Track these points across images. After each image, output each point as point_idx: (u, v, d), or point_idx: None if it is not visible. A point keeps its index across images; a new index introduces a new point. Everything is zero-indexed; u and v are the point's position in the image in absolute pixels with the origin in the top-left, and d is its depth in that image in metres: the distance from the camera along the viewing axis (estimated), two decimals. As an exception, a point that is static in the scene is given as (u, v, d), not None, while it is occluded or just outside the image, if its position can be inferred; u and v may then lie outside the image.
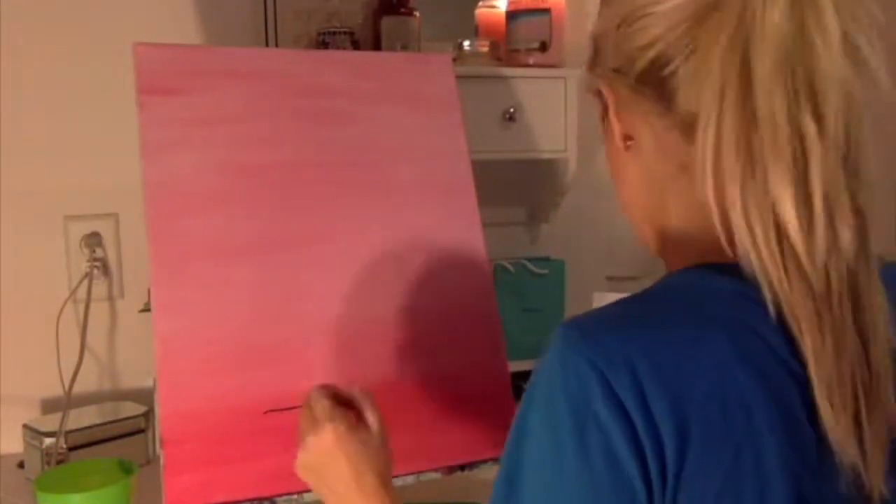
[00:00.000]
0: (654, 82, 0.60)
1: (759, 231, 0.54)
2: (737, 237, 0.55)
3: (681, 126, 0.60)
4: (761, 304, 0.55)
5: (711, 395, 0.52)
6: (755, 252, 0.55)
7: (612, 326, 0.55)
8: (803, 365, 0.54)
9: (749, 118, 0.55)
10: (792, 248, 0.54)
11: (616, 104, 0.65)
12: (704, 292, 0.58)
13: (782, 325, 0.55)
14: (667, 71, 0.59)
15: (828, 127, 0.54)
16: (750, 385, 0.53)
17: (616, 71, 0.63)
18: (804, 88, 0.54)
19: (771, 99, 0.54)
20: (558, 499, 0.53)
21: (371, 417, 0.80)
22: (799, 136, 0.54)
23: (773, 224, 0.54)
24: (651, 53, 0.59)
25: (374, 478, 0.76)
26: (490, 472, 1.03)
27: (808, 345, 0.54)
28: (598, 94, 0.67)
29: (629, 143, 0.65)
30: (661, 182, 0.64)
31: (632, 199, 0.69)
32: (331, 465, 0.77)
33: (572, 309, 1.52)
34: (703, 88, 0.56)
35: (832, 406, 0.53)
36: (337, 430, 0.77)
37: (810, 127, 0.54)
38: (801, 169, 0.54)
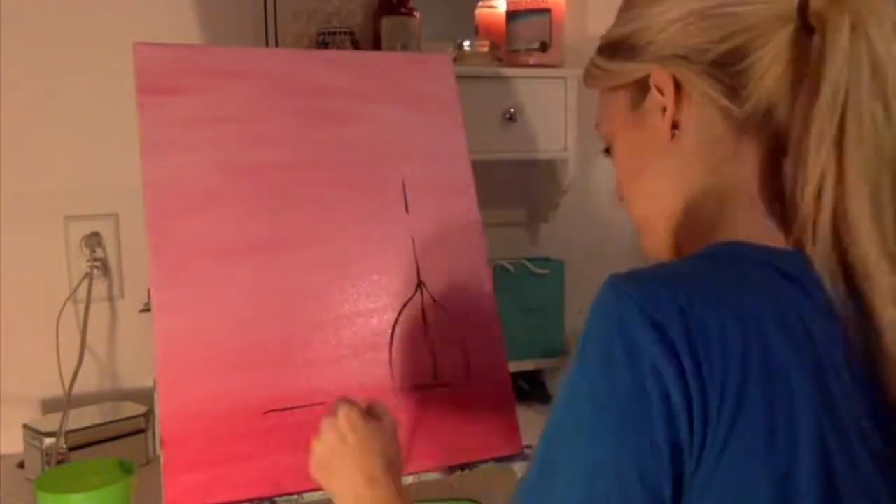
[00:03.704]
0: (726, 72, 0.63)
1: (889, 224, 0.57)
2: (859, 228, 0.57)
3: (739, 119, 0.63)
4: (795, 279, 0.58)
5: (754, 356, 0.54)
6: (886, 242, 0.57)
7: (662, 281, 0.57)
8: (837, 343, 0.57)
9: (883, 121, 0.58)
10: None
11: (675, 89, 0.65)
12: (748, 262, 0.60)
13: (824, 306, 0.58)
14: (740, 66, 0.62)
15: None
16: (789, 354, 0.55)
17: (682, 58, 0.64)
18: None
19: None
20: (610, 431, 0.54)
21: (385, 418, 0.84)
22: None
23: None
24: (723, 47, 0.62)
25: (383, 461, 0.79)
26: (490, 473, 1.03)
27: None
28: (635, 84, 0.68)
29: (675, 131, 0.66)
30: (699, 173, 0.66)
31: (656, 195, 0.70)
32: (341, 447, 0.80)
33: (572, 309, 1.52)
34: (813, 89, 0.58)
35: None
36: (351, 412, 0.81)
37: None
38: None
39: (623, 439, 0.54)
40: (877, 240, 0.57)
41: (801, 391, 0.55)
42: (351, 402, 0.83)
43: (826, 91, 0.58)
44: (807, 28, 0.60)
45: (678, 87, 0.65)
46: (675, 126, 0.66)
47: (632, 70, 0.68)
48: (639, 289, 0.56)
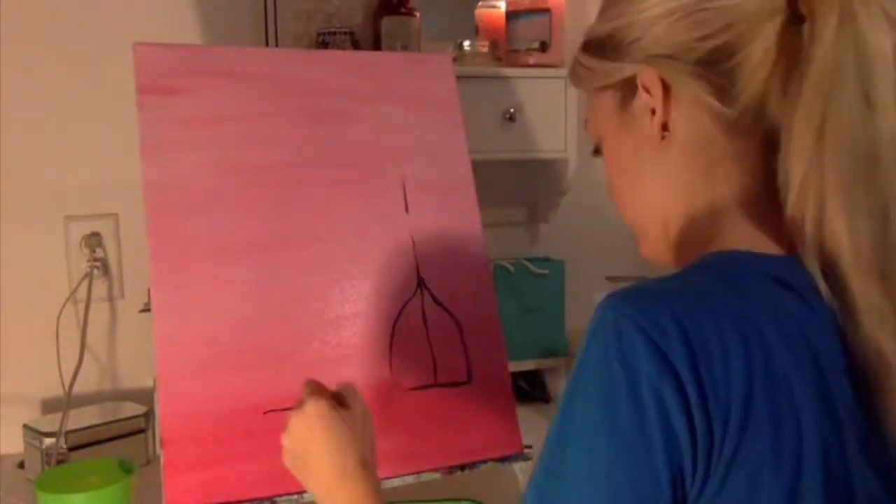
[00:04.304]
0: (714, 71, 0.60)
1: (863, 221, 0.56)
2: (833, 225, 0.56)
3: (729, 120, 0.61)
4: (792, 287, 0.57)
5: (757, 369, 0.53)
6: (854, 237, 0.56)
7: (663, 299, 0.55)
8: (836, 350, 0.56)
9: (865, 117, 0.56)
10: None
11: (663, 90, 0.63)
12: (745, 272, 0.59)
13: (824, 315, 0.57)
14: (728, 64, 0.60)
15: None
16: (791, 364, 0.54)
17: (669, 57, 0.62)
18: None
19: (889, 100, 0.56)
20: (607, 460, 0.53)
21: (354, 406, 0.80)
22: None
23: (883, 218, 0.56)
24: (710, 44, 0.60)
25: (354, 455, 0.75)
26: (490, 473, 1.03)
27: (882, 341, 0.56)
28: (622, 84, 0.66)
29: (665, 133, 0.64)
30: (689, 174, 0.64)
31: (647, 198, 0.68)
32: (311, 441, 0.76)
33: (572, 309, 1.52)
34: (798, 86, 0.57)
35: None
36: (318, 404, 0.77)
37: None
38: None
39: (622, 469, 0.53)
40: (849, 247, 0.56)
41: (804, 403, 0.54)
42: (319, 391, 0.79)
43: (809, 84, 0.56)
44: (796, 19, 0.58)
45: (666, 87, 0.63)
46: (664, 128, 0.64)
47: (618, 70, 0.65)
48: (638, 309, 0.54)
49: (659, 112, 0.64)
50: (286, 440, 0.78)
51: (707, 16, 0.60)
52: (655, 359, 0.52)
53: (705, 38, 0.60)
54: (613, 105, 0.68)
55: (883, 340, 0.55)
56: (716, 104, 0.61)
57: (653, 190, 0.67)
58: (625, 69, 0.65)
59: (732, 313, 0.55)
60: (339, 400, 0.80)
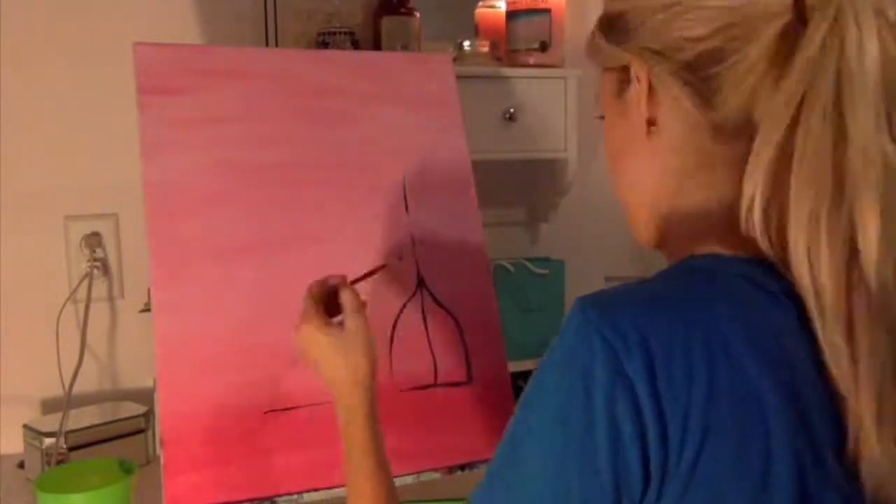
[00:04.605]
0: (698, 76, 0.59)
1: (824, 254, 0.54)
2: (795, 254, 0.55)
3: (713, 125, 0.60)
4: (773, 293, 0.56)
5: (721, 378, 0.53)
6: (813, 270, 0.54)
7: (630, 306, 0.56)
8: (815, 366, 0.55)
9: (836, 138, 0.54)
10: (862, 275, 0.54)
11: (648, 87, 0.62)
12: (722, 276, 0.58)
13: (803, 325, 0.55)
14: (715, 69, 0.58)
15: None
16: (761, 372, 0.53)
17: (658, 53, 0.61)
18: (893, 112, 0.54)
19: (864, 122, 0.53)
20: (558, 462, 0.54)
21: (348, 321, 0.86)
22: (884, 163, 0.54)
23: (848, 250, 0.54)
24: (701, 47, 0.58)
25: (343, 372, 0.83)
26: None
27: (863, 347, 0.54)
28: (621, 70, 0.65)
29: (651, 128, 0.63)
30: (675, 173, 0.64)
31: (636, 184, 0.67)
32: (311, 353, 0.85)
33: (572, 309, 1.52)
34: (773, 97, 0.55)
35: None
36: (307, 326, 0.85)
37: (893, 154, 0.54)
38: (890, 199, 0.53)
39: (570, 466, 0.54)
40: (810, 289, 0.54)
41: (774, 411, 0.53)
42: (316, 303, 0.87)
43: (783, 92, 0.55)
44: (799, 22, 0.56)
45: (651, 84, 0.62)
46: (652, 123, 0.63)
47: (617, 56, 0.65)
48: (602, 315, 0.54)
49: (643, 107, 0.63)
50: (296, 346, 0.87)
51: (708, 14, 0.58)
52: (611, 366, 0.53)
53: (698, 39, 0.58)
54: (613, 89, 0.67)
55: (841, 377, 0.54)
56: (694, 112, 0.60)
57: (641, 178, 0.67)
58: (621, 56, 0.64)
59: (701, 320, 0.55)
60: (339, 308, 0.87)
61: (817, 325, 0.54)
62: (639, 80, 0.63)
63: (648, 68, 0.62)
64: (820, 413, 0.55)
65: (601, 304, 0.55)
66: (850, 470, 0.55)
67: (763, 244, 0.57)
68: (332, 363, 0.84)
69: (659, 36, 0.61)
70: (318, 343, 0.84)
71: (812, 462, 0.53)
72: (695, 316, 0.55)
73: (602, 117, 0.71)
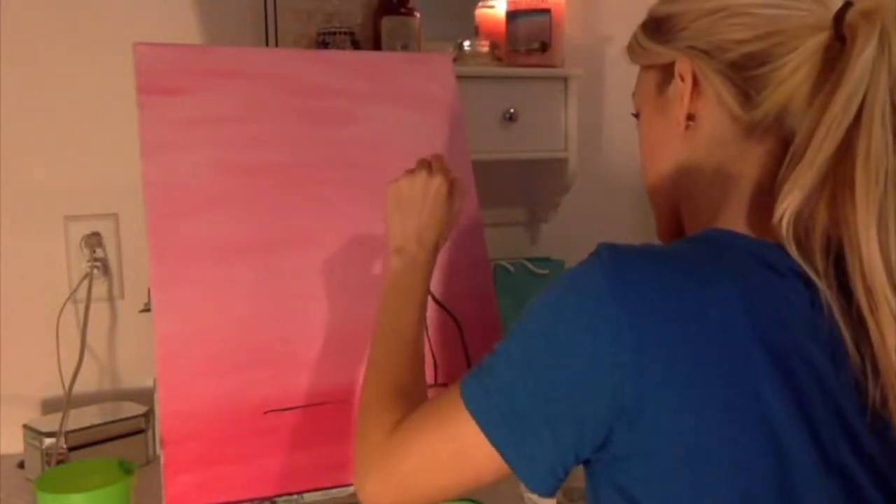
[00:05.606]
0: (742, 76, 0.64)
1: (892, 234, 0.57)
2: (865, 237, 0.57)
3: (750, 122, 0.64)
4: (778, 270, 0.60)
5: (713, 333, 0.57)
6: (883, 249, 0.57)
7: (639, 256, 0.61)
8: (816, 333, 0.58)
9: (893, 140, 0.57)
10: None
11: (693, 82, 0.67)
12: (733, 248, 0.62)
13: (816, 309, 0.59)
14: (758, 71, 0.63)
15: None
16: (753, 335, 0.57)
17: (705, 52, 0.65)
18: None
19: None
20: (540, 356, 0.62)
21: (459, 201, 0.95)
22: None
23: None
24: (745, 49, 0.63)
25: (433, 234, 0.91)
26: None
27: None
28: (663, 68, 0.70)
29: (689, 123, 0.68)
30: (706, 165, 0.68)
31: (664, 177, 0.72)
32: (421, 201, 0.91)
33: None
34: (824, 104, 0.59)
35: None
36: (443, 187, 0.91)
37: None
38: None
39: (553, 368, 0.60)
40: (885, 268, 0.57)
41: (765, 371, 0.56)
42: (446, 171, 0.92)
43: (839, 100, 0.58)
44: (838, 38, 0.60)
45: (696, 80, 0.67)
46: (690, 118, 0.68)
47: (661, 54, 0.69)
48: (615, 262, 0.60)
49: (686, 102, 0.67)
50: (405, 183, 0.92)
51: (753, 20, 0.63)
52: (607, 303, 0.58)
53: (743, 41, 0.63)
54: (653, 86, 0.72)
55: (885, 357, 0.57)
56: (735, 107, 0.64)
57: (670, 173, 0.71)
58: (666, 54, 0.69)
59: (703, 281, 0.59)
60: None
61: (881, 327, 0.57)
62: (682, 77, 0.67)
63: (694, 65, 0.66)
64: (816, 387, 0.57)
65: (618, 253, 0.61)
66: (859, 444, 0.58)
67: (786, 236, 0.59)
68: (434, 215, 0.90)
69: (706, 37, 0.65)
70: (440, 194, 0.91)
71: (791, 426, 0.57)
72: (699, 275, 0.59)
73: (637, 115, 0.76)
